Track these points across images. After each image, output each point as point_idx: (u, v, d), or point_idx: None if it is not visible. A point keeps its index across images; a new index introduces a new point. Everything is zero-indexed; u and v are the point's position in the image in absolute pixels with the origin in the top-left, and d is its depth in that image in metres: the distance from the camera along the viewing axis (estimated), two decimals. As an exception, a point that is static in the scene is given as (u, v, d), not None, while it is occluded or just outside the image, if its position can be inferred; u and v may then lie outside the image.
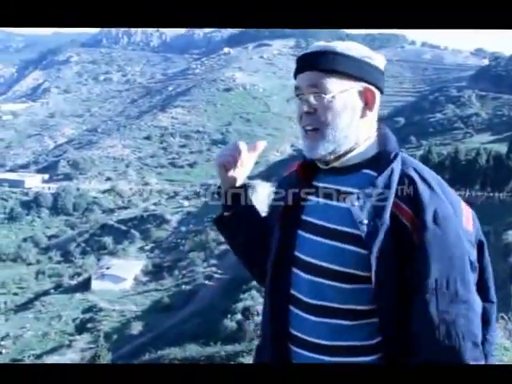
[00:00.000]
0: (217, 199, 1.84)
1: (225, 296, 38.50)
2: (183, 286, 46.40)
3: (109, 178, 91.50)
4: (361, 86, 1.56)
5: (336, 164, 1.58)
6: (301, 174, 1.66)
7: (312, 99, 1.54)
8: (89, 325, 42.90)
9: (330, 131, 1.53)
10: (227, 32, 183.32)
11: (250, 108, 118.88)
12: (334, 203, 1.55)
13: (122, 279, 51.60)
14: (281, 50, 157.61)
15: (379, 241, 1.44)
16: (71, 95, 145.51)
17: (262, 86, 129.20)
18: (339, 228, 1.51)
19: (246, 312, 30.48)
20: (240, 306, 32.24)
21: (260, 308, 30.35)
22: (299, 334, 1.58)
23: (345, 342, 1.53)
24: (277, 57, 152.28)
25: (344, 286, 1.51)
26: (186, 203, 76.03)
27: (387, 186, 1.49)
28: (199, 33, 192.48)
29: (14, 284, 56.43)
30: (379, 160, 1.56)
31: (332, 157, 1.56)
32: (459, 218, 1.49)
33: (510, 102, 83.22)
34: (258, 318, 28.45)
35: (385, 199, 1.47)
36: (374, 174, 1.53)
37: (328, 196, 1.58)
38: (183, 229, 64.09)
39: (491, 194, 45.67)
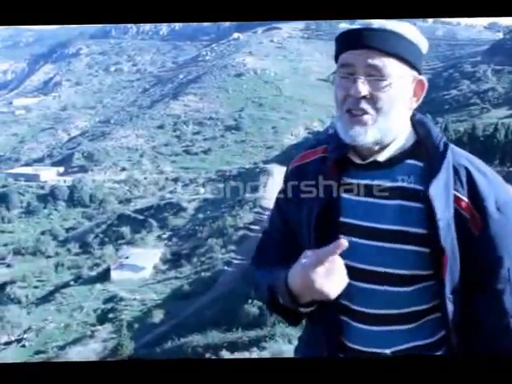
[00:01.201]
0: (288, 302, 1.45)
1: (245, 281, 38.30)
2: (202, 273, 46.37)
3: (124, 169, 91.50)
4: (413, 74, 1.43)
5: (377, 157, 1.44)
6: (333, 170, 1.48)
7: (369, 82, 1.38)
8: (110, 315, 43.04)
9: (383, 119, 1.39)
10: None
11: (262, 92, 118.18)
12: (378, 201, 1.42)
13: (142, 268, 51.64)
14: (291, 32, 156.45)
15: (451, 237, 1.37)
16: (82, 87, 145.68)
17: (273, 69, 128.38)
18: (393, 228, 1.40)
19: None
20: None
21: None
22: (355, 346, 1.47)
23: (406, 345, 1.43)
24: (287, 40, 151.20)
25: (404, 289, 1.42)
26: (201, 190, 75.85)
27: (447, 177, 1.39)
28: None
29: (35, 277, 56.64)
30: (421, 149, 1.44)
31: (376, 147, 1.42)
32: None
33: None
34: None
35: (447, 192, 1.38)
36: (419, 163, 1.43)
37: (370, 193, 1.43)
38: (200, 216, 63.94)
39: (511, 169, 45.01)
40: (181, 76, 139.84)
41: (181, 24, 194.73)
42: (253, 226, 53.79)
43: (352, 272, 1.38)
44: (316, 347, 1.53)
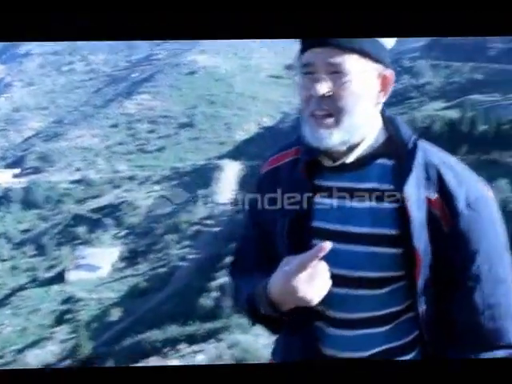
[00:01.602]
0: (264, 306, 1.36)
1: (200, 275, 38.29)
2: (159, 269, 46.15)
3: (78, 169, 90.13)
4: (377, 68, 1.35)
5: (346, 159, 1.37)
6: (304, 173, 1.41)
7: (329, 80, 1.30)
8: (68, 316, 42.41)
9: (347, 118, 1.32)
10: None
11: (214, 90, 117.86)
12: (352, 204, 1.36)
13: (98, 267, 51.02)
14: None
15: (424, 237, 1.32)
16: (35, 88, 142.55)
17: (225, 67, 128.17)
18: (366, 230, 1.34)
19: (222, 289, 30.29)
20: (215, 283, 32.05)
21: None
22: (332, 352, 1.41)
23: (383, 347, 1.39)
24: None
25: (378, 291, 1.36)
26: (156, 187, 75.23)
27: (418, 176, 1.33)
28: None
29: (-10, 281, 55.39)
30: (392, 147, 1.38)
31: (344, 148, 1.35)
32: (487, 194, 1.37)
33: (460, 69, 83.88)
34: (234, 295, 28.30)
35: (419, 191, 1.33)
36: (390, 162, 1.37)
37: (342, 196, 1.38)
38: (155, 213, 63.43)
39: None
40: (134, 75, 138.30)
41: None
42: (207, 221, 53.70)
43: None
44: (292, 352, 1.46)
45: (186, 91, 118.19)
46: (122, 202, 70.67)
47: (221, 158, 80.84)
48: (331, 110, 1.31)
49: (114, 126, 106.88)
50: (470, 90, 71.23)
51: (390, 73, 1.35)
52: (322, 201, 1.39)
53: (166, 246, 51.24)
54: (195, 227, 52.61)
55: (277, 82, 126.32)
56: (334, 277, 1.31)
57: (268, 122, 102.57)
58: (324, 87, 1.29)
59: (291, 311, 1.32)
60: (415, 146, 1.35)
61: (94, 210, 69.00)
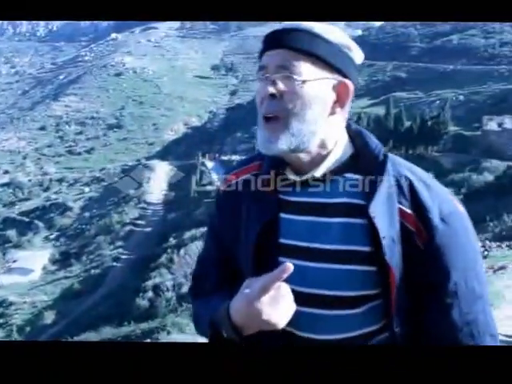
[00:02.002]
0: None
1: (134, 275, 37.90)
2: (92, 271, 45.27)
3: (7, 171, 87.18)
4: (335, 77, 1.26)
5: (313, 172, 1.28)
6: (269, 189, 1.31)
7: (280, 81, 1.23)
8: (0, 320, 40.96)
9: (296, 123, 1.23)
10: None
11: (141, 91, 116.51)
12: (320, 219, 1.26)
13: (30, 271, 49.62)
14: (167, 32, 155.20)
15: (398, 253, 1.23)
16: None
17: (152, 68, 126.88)
18: (337, 247, 1.25)
19: (157, 289, 30.12)
20: (150, 283, 31.83)
21: (169, 284, 30.13)
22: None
23: None
24: (164, 39, 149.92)
25: (352, 311, 1.27)
26: (86, 189, 73.85)
27: (388, 190, 1.25)
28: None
29: None
30: (360, 161, 1.30)
31: (306, 157, 1.27)
32: (459, 208, 1.30)
33: (384, 67, 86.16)
34: (169, 294, 28.19)
35: (391, 206, 1.24)
36: (359, 177, 1.28)
37: (309, 212, 1.27)
38: (86, 214, 62.28)
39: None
40: (61, 77, 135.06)
41: (58, 25, 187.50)
42: (138, 221, 53.19)
43: (296, 297, 1.22)
44: None
45: (114, 92, 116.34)
46: (52, 205, 69.02)
47: (150, 158, 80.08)
48: (279, 112, 1.23)
49: (42, 128, 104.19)
50: (393, 87, 73.43)
51: (347, 84, 1.27)
52: (288, 217, 1.29)
53: (98, 247, 50.38)
54: (127, 228, 51.99)
55: (203, 82, 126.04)
56: (303, 296, 1.24)
57: (196, 121, 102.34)
58: (272, 87, 1.22)
59: (255, 336, 1.21)
60: (385, 158, 1.28)
61: (24, 213, 66.99)
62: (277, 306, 1.15)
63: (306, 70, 1.22)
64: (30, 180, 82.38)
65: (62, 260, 51.99)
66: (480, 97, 58.98)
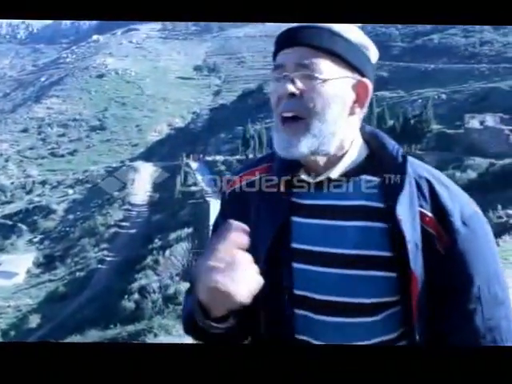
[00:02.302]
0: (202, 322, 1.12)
1: (119, 278, 37.56)
2: (77, 273, 44.81)
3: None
4: (354, 76, 1.22)
5: (329, 173, 1.23)
6: (280, 190, 1.24)
7: (299, 79, 1.17)
8: (-16, 325, 40.44)
9: (317, 123, 1.17)
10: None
11: (124, 92, 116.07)
12: (336, 223, 1.21)
13: (14, 274, 48.99)
14: (148, 33, 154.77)
15: (420, 259, 1.18)
16: None
17: (134, 69, 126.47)
18: (354, 252, 1.18)
19: (143, 291, 29.88)
20: (136, 285, 31.60)
21: (155, 285, 29.92)
22: None
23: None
24: (146, 40, 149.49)
25: (370, 319, 1.20)
26: (70, 191, 73.29)
27: (410, 193, 1.20)
28: (66, 22, 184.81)
29: None
30: (376, 162, 1.25)
31: (323, 158, 1.22)
32: (478, 211, 1.26)
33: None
34: (155, 296, 27.98)
35: (413, 209, 1.19)
36: (376, 179, 1.23)
37: (323, 215, 1.21)
38: (70, 217, 61.75)
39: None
40: (42, 79, 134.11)
41: (39, 27, 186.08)
42: (123, 223, 52.80)
43: (310, 304, 1.19)
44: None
45: (96, 94, 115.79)
46: (35, 207, 68.37)
47: (134, 159, 79.69)
48: (300, 111, 1.17)
49: (24, 130, 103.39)
50: (375, 86, 73.54)
51: (366, 83, 1.23)
52: (301, 220, 1.23)
53: (83, 249, 49.91)
54: (112, 229, 51.58)
55: (186, 83, 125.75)
56: (319, 304, 1.19)
57: (179, 122, 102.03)
58: (292, 86, 1.16)
59: (227, 317, 1.11)
60: (404, 160, 1.22)
61: (7, 216, 66.29)
62: (232, 274, 1.03)
63: (326, 68, 1.17)
64: (12, 183, 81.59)
65: (47, 263, 51.47)
66: (461, 95, 59.42)
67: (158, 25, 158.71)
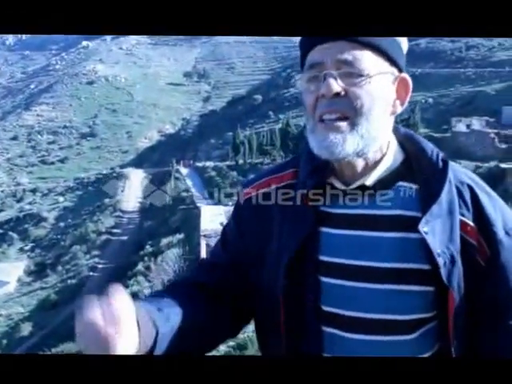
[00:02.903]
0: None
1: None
2: (68, 281, 44.70)
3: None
4: (394, 71, 1.11)
5: (363, 180, 1.12)
6: (308, 198, 1.14)
7: (343, 77, 1.06)
8: (-25, 333, 40.33)
9: (364, 122, 1.06)
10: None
11: (114, 99, 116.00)
12: (369, 233, 1.10)
13: (5, 283, 48.80)
14: (138, 39, 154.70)
15: (458, 271, 1.09)
16: None
17: (124, 76, 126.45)
18: (390, 265, 1.09)
19: (135, 297, 29.89)
20: (127, 292, 31.49)
21: (147, 292, 30.02)
22: None
23: None
24: (135, 47, 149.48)
25: (406, 337, 1.11)
26: (61, 199, 73.12)
27: (450, 200, 1.10)
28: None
29: None
30: (413, 168, 1.14)
31: (361, 162, 1.12)
32: None
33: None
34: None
35: (452, 218, 1.10)
36: (414, 186, 1.12)
37: (355, 225, 1.11)
38: (61, 224, 61.63)
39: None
40: (32, 86, 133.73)
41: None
42: (114, 230, 52.79)
43: (340, 321, 1.11)
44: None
45: (86, 101, 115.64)
46: (26, 215, 68.15)
47: (124, 166, 79.68)
48: (345, 111, 1.06)
49: (14, 138, 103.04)
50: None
51: (407, 79, 1.15)
52: (330, 231, 1.13)
53: (74, 256, 49.80)
54: (103, 236, 51.56)
55: (176, 89, 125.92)
56: (350, 321, 1.11)
57: (170, 128, 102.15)
58: (336, 85, 1.05)
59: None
60: (445, 165, 1.13)
61: (-2, 225, 66.15)
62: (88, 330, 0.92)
63: (369, 63, 1.06)
64: (2, 191, 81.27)
65: (38, 271, 51.32)
66: (448, 99, 60.03)
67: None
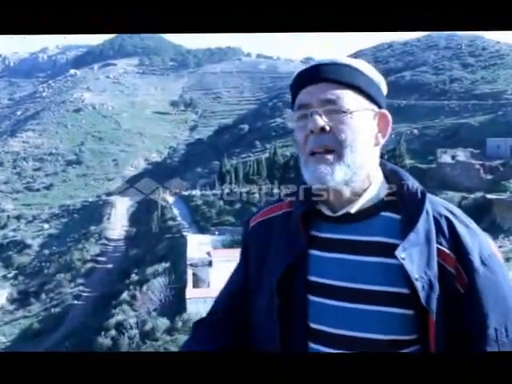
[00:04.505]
0: None
1: (96, 313, 37.01)
2: (52, 309, 43.99)
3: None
4: (374, 108, 1.24)
5: (349, 208, 1.22)
6: (300, 223, 1.25)
7: (327, 115, 1.18)
8: (-45, 363, 39.36)
9: (349, 153, 1.18)
10: (72, 54, 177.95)
11: (101, 127, 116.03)
12: (354, 257, 1.20)
13: (-13, 311, 47.98)
14: (126, 68, 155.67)
15: (435, 297, 1.15)
16: None
17: (111, 104, 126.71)
18: (372, 287, 1.17)
19: (119, 327, 29.50)
20: (112, 321, 31.16)
21: (132, 321, 29.61)
22: None
23: None
24: (123, 75, 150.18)
25: None
26: (46, 226, 72.47)
27: (427, 230, 1.19)
28: (43, 56, 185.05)
29: None
30: (396, 200, 1.24)
31: (348, 191, 1.22)
32: (497, 251, 1.24)
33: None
34: (132, 332, 27.67)
35: (429, 247, 1.18)
36: (396, 216, 1.22)
37: (342, 249, 1.21)
38: (46, 252, 60.94)
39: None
40: (18, 113, 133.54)
41: (15, 60, 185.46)
42: (100, 258, 52.29)
43: (326, 338, 1.18)
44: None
45: (73, 128, 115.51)
46: (10, 242, 67.40)
47: (110, 194, 79.31)
48: (331, 145, 1.18)
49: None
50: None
51: (386, 114, 1.26)
52: (319, 254, 1.23)
53: (58, 284, 49.12)
54: (88, 264, 51.02)
55: (163, 118, 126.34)
56: (334, 338, 1.18)
57: (156, 157, 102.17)
58: (322, 121, 1.17)
59: None
60: (423, 196, 1.22)
61: (-19, 252, 65.23)
62: None
63: (350, 101, 1.19)
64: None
65: (21, 299, 50.46)
66: (433, 130, 60.69)
67: (135, 60, 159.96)
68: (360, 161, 1.20)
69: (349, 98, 1.19)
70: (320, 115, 1.18)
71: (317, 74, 1.21)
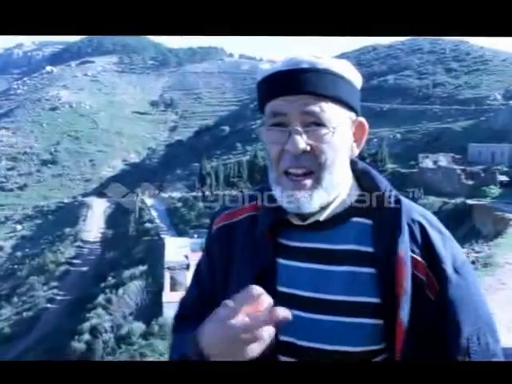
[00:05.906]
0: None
1: (70, 317, 36.86)
2: (24, 313, 43.66)
3: None
4: (351, 116, 1.17)
5: (318, 216, 1.17)
6: (267, 231, 1.19)
7: (306, 133, 1.10)
8: None
9: (328, 176, 1.12)
10: (48, 50, 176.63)
11: (78, 126, 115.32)
12: (323, 267, 1.15)
13: (-44, 314, 47.40)
14: (104, 66, 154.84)
15: (408, 305, 1.12)
16: None
17: (89, 103, 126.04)
18: (342, 298, 1.13)
19: (94, 331, 29.46)
20: (86, 325, 31.09)
21: (107, 325, 29.56)
22: None
23: None
24: (101, 73, 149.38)
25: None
26: (18, 227, 71.85)
27: (400, 236, 1.14)
28: (18, 52, 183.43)
29: None
30: (368, 203, 1.20)
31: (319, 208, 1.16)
32: (467, 259, 1.22)
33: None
34: (107, 335, 27.64)
35: (403, 253, 1.13)
36: (367, 221, 1.18)
37: (311, 258, 1.16)
38: (18, 254, 60.44)
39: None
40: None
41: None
42: (75, 261, 52.03)
43: (295, 351, 1.15)
44: None
45: (49, 127, 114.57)
46: (-19, 244, 66.73)
47: (86, 195, 78.91)
48: (310, 166, 1.11)
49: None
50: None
51: (363, 122, 1.20)
52: (287, 263, 1.18)
53: (31, 287, 48.76)
54: (63, 267, 50.73)
55: (142, 117, 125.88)
56: (302, 350, 1.14)
57: (135, 158, 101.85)
58: (303, 142, 1.09)
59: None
60: (398, 202, 1.19)
61: (-49, 254, 64.43)
62: (257, 347, 0.97)
63: (332, 115, 1.11)
64: (-43, 218, 79.69)
65: (-8, 303, 50.11)
66: (416, 135, 61.40)
67: (114, 58, 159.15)
68: (337, 180, 1.14)
69: (331, 112, 1.11)
70: (301, 135, 1.09)
71: (297, 85, 1.11)
